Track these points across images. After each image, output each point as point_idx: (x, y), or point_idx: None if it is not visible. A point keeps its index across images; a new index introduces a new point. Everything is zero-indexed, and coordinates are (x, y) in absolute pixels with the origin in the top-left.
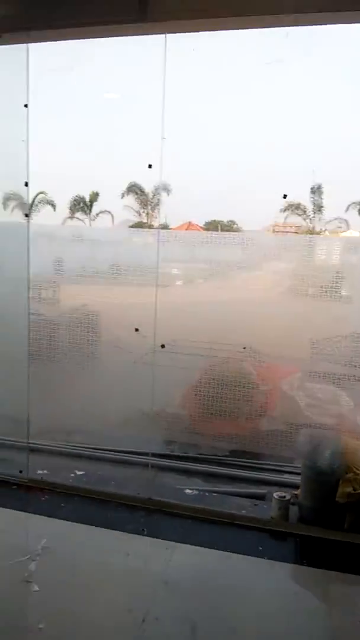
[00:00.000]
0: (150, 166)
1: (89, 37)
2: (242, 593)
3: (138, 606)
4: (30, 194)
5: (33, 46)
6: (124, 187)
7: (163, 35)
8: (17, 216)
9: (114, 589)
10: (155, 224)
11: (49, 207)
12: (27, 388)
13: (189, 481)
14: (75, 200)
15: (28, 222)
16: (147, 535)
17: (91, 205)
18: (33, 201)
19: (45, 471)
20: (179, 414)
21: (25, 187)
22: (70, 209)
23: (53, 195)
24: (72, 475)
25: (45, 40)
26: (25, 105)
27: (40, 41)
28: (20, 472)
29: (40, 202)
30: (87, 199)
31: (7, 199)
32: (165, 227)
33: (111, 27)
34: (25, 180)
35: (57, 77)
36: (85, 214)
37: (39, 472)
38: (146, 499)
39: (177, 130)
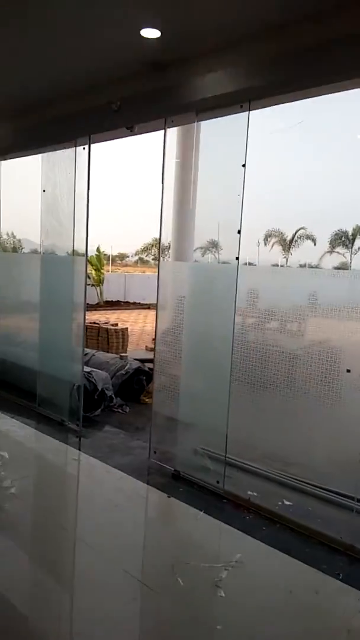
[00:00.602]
0: None
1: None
2: None
3: None
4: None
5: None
6: None
7: None
8: (276, 251)
9: (294, 619)
10: None
11: (308, 242)
12: (228, 406)
13: None
14: (336, 234)
15: (238, 263)
16: (341, 580)
17: (353, 240)
18: (293, 237)
19: (255, 493)
20: None
21: (238, 235)
22: (331, 243)
23: (313, 230)
24: (280, 503)
25: (268, 105)
26: (243, 165)
27: (261, 107)
28: (217, 482)
29: (300, 238)
30: (349, 233)
31: (269, 235)
32: None
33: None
34: (238, 228)
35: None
36: (347, 248)
37: (249, 492)
38: (349, 545)
39: None
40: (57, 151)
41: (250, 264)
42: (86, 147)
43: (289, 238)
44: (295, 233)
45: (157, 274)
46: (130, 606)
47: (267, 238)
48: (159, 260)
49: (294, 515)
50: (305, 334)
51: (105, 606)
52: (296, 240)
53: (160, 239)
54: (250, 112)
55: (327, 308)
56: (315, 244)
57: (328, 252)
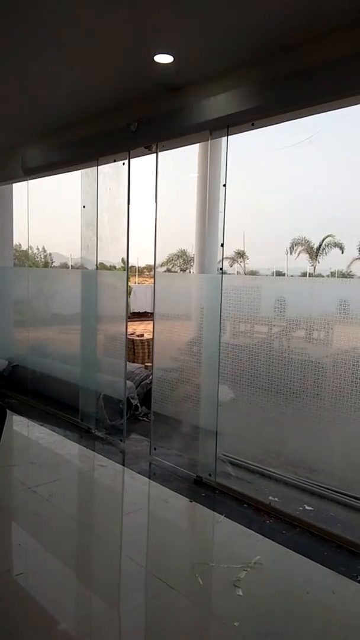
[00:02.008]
0: None
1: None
2: None
3: None
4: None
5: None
6: None
7: None
8: (302, 259)
9: (310, 618)
10: None
11: (336, 249)
12: (216, 411)
13: None
14: None
15: (221, 275)
16: (359, 582)
17: None
18: (321, 244)
19: (276, 498)
20: None
21: (221, 247)
22: None
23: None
24: (301, 508)
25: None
26: (224, 185)
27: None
28: (210, 475)
29: (327, 245)
30: None
31: (295, 244)
32: None
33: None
34: (221, 242)
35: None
36: None
37: (270, 498)
38: None
39: None
40: (97, 167)
41: (278, 273)
42: (126, 162)
43: (315, 246)
44: (323, 241)
45: (153, 285)
46: (151, 602)
47: (293, 247)
48: (154, 271)
49: (314, 520)
50: (333, 342)
51: (128, 602)
52: (323, 248)
53: (155, 253)
54: (268, 127)
55: (356, 315)
56: (342, 252)
57: (357, 258)
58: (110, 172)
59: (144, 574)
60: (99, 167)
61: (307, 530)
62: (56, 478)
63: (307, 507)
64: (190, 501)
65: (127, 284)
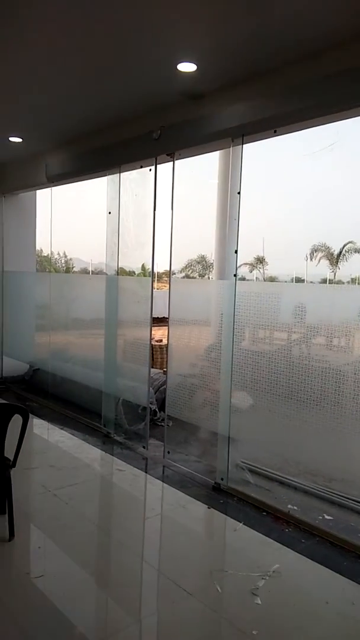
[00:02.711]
0: None
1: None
2: None
3: None
4: (238, 261)
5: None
6: None
7: None
8: (323, 265)
9: (329, 629)
10: None
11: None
12: (229, 417)
13: None
14: None
15: (235, 281)
16: None
17: None
18: (341, 250)
19: (295, 507)
20: None
21: (235, 254)
22: None
23: None
24: (320, 517)
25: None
26: (238, 193)
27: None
28: (228, 482)
29: (348, 251)
30: None
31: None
32: None
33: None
34: (235, 248)
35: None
36: None
37: (289, 506)
38: None
39: None
40: (119, 174)
41: (298, 279)
42: (152, 168)
43: (336, 252)
44: (343, 247)
45: (168, 291)
46: (169, 608)
47: (313, 253)
48: (169, 277)
49: (334, 530)
50: (354, 350)
51: (145, 607)
52: (344, 254)
53: (170, 259)
54: (290, 134)
55: None
56: None
57: None
58: (137, 178)
59: (162, 579)
60: (126, 174)
61: (326, 539)
62: (76, 482)
63: (326, 517)
64: (209, 508)
65: (152, 289)
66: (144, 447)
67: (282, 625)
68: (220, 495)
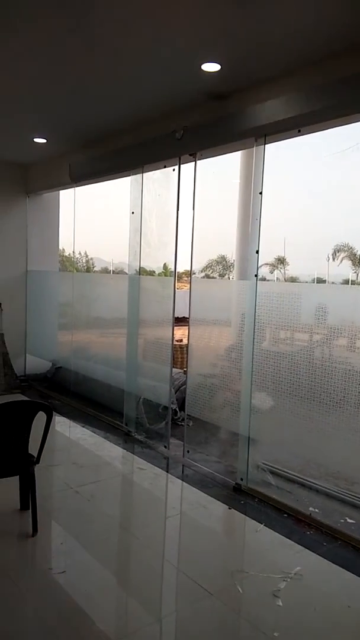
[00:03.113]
0: None
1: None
2: None
3: None
4: (259, 261)
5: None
6: None
7: None
8: (345, 265)
9: (352, 633)
10: None
11: None
12: (249, 417)
13: None
14: None
15: (256, 281)
16: None
17: None
18: None
19: (316, 509)
20: None
21: (256, 254)
22: None
23: None
24: (342, 520)
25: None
26: (260, 193)
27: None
28: (249, 482)
29: None
30: None
31: (338, 250)
32: None
33: None
34: (257, 248)
35: None
36: None
37: (311, 509)
38: None
39: None
40: (142, 174)
41: (319, 279)
42: (176, 168)
43: (359, 252)
44: None
45: (189, 290)
46: (190, 608)
47: (335, 253)
48: (190, 277)
49: (356, 533)
50: None
51: (166, 606)
52: None
53: (191, 259)
54: (314, 133)
55: None
56: None
57: None
58: (160, 178)
59: (183, 578)
60: (149, 174)
61: (348, 543)
62: (97, 479)
63: (348, 520)
64: (229, 508)
65: (175, 289)
66: (165, 447)
67: (304, 628)
68: (240, 496)
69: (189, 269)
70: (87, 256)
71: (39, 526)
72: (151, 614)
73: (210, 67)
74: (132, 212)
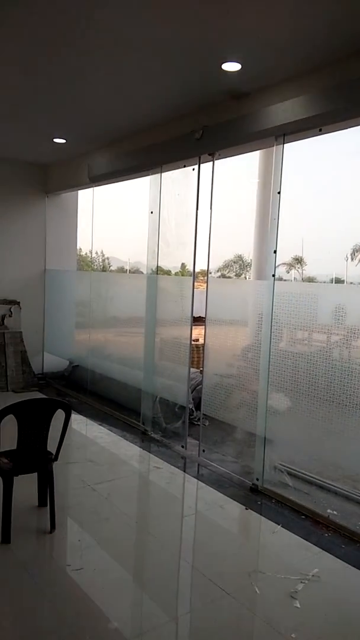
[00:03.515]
0: None
1: None
2: None
3: None
4: (277, 261)
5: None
6: None
7: None
8: None
9: None
10: None
11: None
12: (265, 418)
13: None
14: None
15: (273, 281)
16: None
17: None
18: None
19: (334, 512)
20: None
21: (274, 254)
22: None
23: None
24: None
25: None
26: (278, 192)
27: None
28: (265, 483)
29: None
30: None
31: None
32: None
33: None
34: (274, 248)
35: None
36: None
37: (329, 511)
38: None
39: None
40: (161, 174)
41: (337, 279)
42: (195, 167)
43: None
44: None
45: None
46: (207, 607)
47: (354, 253)
48: (207, 277)
49: None
50: None
51: (183, 604)
52: None
53: (208, 259)
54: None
55: None
56: None
57: None
58: (179, 178)
59: (200, 578)
60: (168, 173)
61: None
62: (114, 477)
63: None
64: (246, 508)
65: (193, 289)
66: (182, 447)
67: (322, 630)
68: (257, 497)
69: (205, 268)
70: (103, 255)
71: (57, 523)
72: (167, 613)
73: (231, 66)
74: (151, 212)
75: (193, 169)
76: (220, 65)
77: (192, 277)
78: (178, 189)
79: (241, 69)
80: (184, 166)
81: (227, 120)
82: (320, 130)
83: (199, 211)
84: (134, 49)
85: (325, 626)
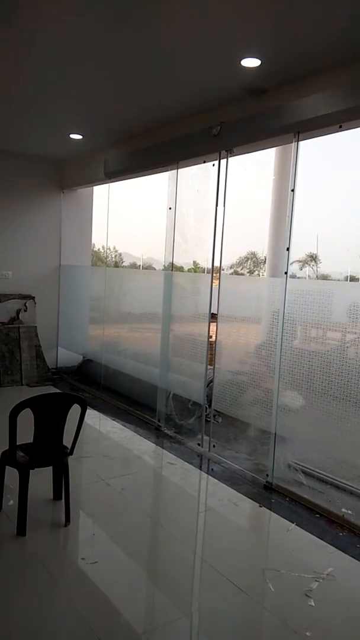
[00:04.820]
0: None
1: None
2: None
3: None
4: (290, 258)
5: None
6: None
7: None
8: None
9: None
10: None
11: None
12: (275, 415)
13: None
14: None
15: (286, 279)
16: None
17: None
18: None
19: (349, 511)
20: None
21: (287, 252)
22: None
23: None
24: None
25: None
26: (292, 190)
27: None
28: (279, 481)
29: None
30: None
31: None
32: None
33: None
34: (288, 246)
35: None
36: None
37: (344, 510)
38: None
39: None
40: (177, 170)
41: (352, 277)
42: (215, 163)
43: None
44: None
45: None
46: (221, 603)
47: None
48: (219, 273)
49: None
50: None
51: (197, 600)
52: None
53: (221, 255)
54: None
55: None
56: None
57: None
58: (198, 174)
59: (214, 574)
60: (187, 169)
61: None
62: (128, 472)
63: None
64: (260, 506)
65: (212, 285)
66: (199, 445)
67: (336, 628)
68: (271, 495)
69: (219, 265)
70: (116, 251)
71: (72, 516)
72: (180, 608)
73: (250, 62)
74: (170, 208)
75: (213, 165)
76: (240, 61)
77: (210, 274)
78: (198, 184)
79: (260, 65)
80: (204, 162)
81: (245, 116)
82: (340, 127)
83: (218, 207)
84: (153, 47)
85: (340, 625)
